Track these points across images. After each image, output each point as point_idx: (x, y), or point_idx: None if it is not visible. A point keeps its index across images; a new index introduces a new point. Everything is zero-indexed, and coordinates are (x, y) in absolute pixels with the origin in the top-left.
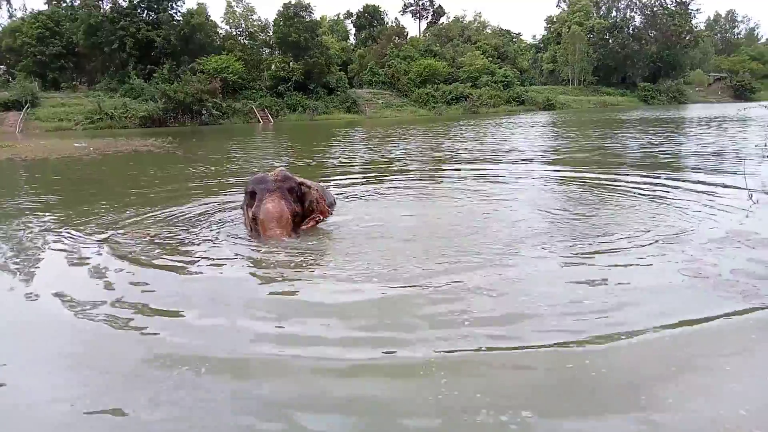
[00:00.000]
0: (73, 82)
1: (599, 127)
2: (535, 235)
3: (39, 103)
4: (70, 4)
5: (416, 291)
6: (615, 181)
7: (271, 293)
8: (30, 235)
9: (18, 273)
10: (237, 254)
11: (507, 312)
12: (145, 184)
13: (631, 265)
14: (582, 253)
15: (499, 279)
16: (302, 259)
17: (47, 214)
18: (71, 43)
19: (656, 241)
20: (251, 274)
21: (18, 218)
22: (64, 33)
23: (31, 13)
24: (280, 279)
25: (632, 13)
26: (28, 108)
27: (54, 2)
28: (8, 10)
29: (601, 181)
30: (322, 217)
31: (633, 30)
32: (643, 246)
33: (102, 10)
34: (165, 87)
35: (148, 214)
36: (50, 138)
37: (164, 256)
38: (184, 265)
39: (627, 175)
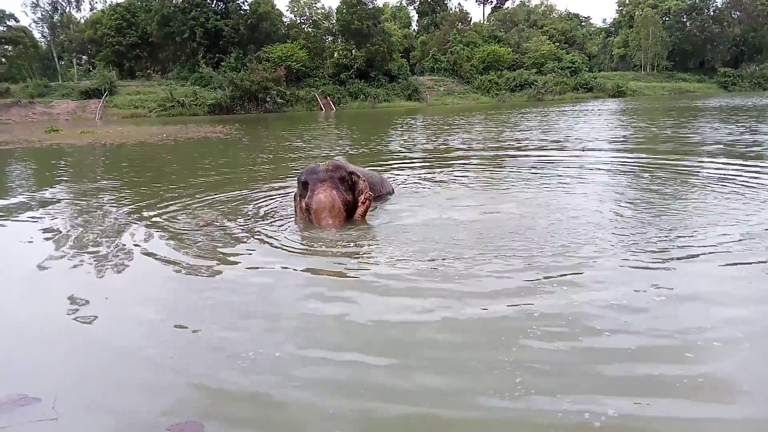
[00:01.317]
0: (147, 71)
1: (674, 115)
2: (603, 230)
3: (116, 91)
4: None
5: (469, 291)
6: (694, 168)
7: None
8: (103, 216)
9: (82, 254)
10: (292, 244)
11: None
12: (216, 169)
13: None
14: (657, 258)
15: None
16: (353, 249)
17: (122, 196)
18: (145, 34)
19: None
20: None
21: (94, 200)
22: (140, 24)
23: (110, 5)
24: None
25: None
26: (106, 96)
27: None
28: (90, 3)
29: (678, 169)
30: (366, 204)
31: (714, 11)
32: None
33: (174, 1)
34: (232, 75)
35: (217, 198)
36: (127, 124)
37: (222, 242)
38: (240, 252)
39: (709, 162)
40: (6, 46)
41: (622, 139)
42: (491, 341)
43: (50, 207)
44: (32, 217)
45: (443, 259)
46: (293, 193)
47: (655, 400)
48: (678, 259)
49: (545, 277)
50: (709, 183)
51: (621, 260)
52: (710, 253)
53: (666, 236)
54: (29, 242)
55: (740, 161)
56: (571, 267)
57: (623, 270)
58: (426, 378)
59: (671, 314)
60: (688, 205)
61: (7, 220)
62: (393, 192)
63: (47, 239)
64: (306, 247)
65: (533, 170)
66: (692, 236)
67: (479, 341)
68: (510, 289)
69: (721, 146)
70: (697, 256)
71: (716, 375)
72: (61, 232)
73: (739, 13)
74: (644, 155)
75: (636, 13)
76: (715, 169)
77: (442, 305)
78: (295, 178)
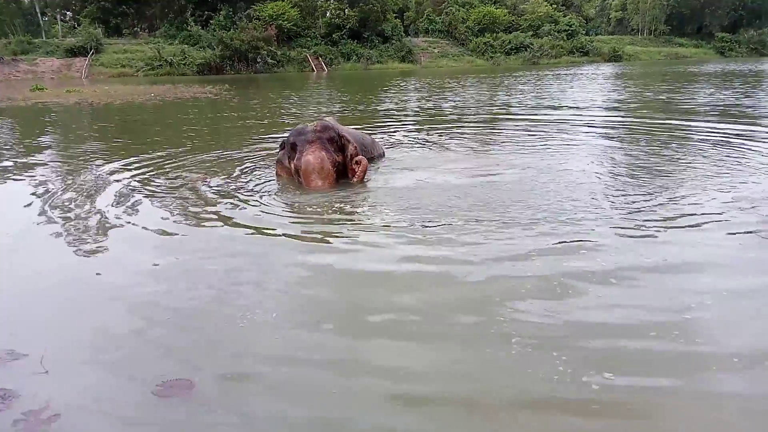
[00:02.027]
0: (134, 29)
1: (669, 80)
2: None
3: (103, 49)
4: None
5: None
6: (689, 131)
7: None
8: (91, 176)
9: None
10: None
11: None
12: (204, 129)
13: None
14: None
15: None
16: (341, 214)
17: (108, 155)
18: None
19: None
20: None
21: (82, 159)
22: None
23: None
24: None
25: None
26: (92, 54)
27: None
28: None
29: (673, 132)
30: (362, 166)
31: None
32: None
33: None
34: (221, 34)
35: (205, 158)
36: (114, 84)
37: (214, 202)
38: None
39: (704, 126)
40: None
41: (616, 103)
42: (481, 308)
43: (37, 167)
44: (19, 177)
45: (435, 225)
46: (279, 155)
47: (646, 377)
48: (674, 227)
49: (541, 245)
50: (705, 147)
51: (617, 227)
52: (708, 222)
53: (662, 203)
54: (16, 201)
55: (735, 125)
56: (567, 234)
57: (619, 238)
58: (415, 348)
59: (665, 285)
60: (683, 170)
61: None
62: (384, 155)
63: (33, 198)
64: (294, 211)
65: (528, 133)
66: (688, 202)
67: (470, 308)
68: (504, 255)
69: (717, 110)
70: (695, 224)
71: (710, 349)
72: (48, 191)
73: None
74: (639, 119)
75: None
76: (711, 132)
77: (434, 271)
78: (284, 139)
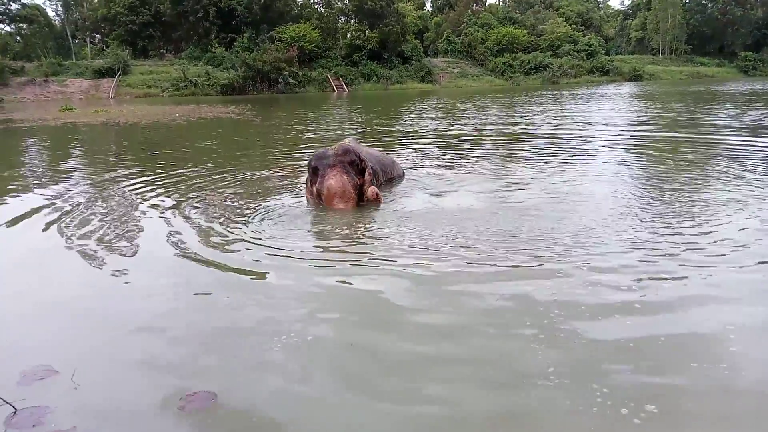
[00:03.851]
0: (161, 51)
1: (692, 100)
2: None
3: (130, 70)
4: None
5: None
6: (712, 151)
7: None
8: (117, 196)
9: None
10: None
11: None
12: (228, 149)
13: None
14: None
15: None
16: (364, 230)
17: (135, 175)
18: (159, 13)
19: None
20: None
21: (108, 178)
22: (153, 2)
23: None
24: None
25: None
26: (120, 75)
27: None
28: None
29: (696, 152)
30: (376, 197)
31: None
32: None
33: None
34: (245, 55)
35: (227, 177)
36: (140, 104)
37: (233, 221)
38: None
39: (727, 145)
40: (21, 25)
41: (637, 122)
42: (496, 329)
43: (63, 185)
44: (46, 195)
45: (454, 246)
46: (306, 178)
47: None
48: (694, 249)
49: (566, 272)
50: (727, 170)
51: (635, 250)
52: (739, 249)
53: (681, 226)
54: (43, 218)
55: (760, 146)
56: (583, 257)
57: (645, 264)
58: (433, 374)
59: (682, 314)
60: (703, 193)
61: (27, 197)
62: (404, 175)
63: (59, 215)
64: (315, 235)
65: (548, 153)
66: (708, 226)
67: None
68: (523, 276)
69: (743, 131)
70: (724, 253)
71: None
72: (73, 209)
73: None
74: (659, 138)
75: None
76: (734, 154)
77: (452, 292)
78: (306, 161)
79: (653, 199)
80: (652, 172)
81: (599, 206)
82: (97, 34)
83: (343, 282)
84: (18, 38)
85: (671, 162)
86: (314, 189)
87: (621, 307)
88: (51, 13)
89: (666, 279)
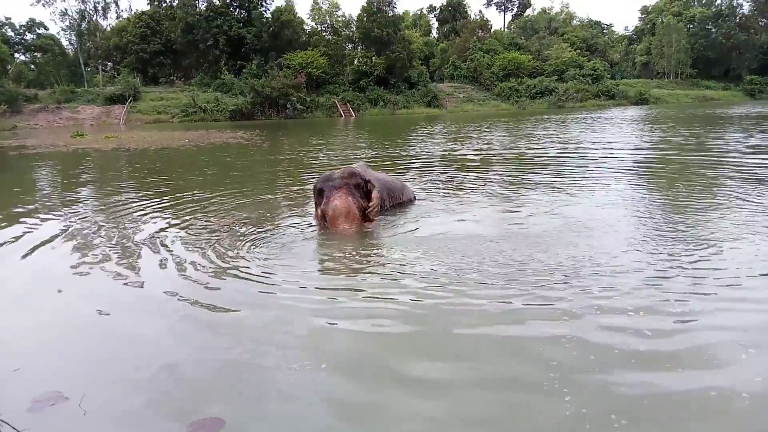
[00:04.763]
0: (171, 78)
1: (699, 123)
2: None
3: (140, 97)
4: (169, 4)
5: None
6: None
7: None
8: (126, 221)
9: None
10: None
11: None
12: (237, 174)
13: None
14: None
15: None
16: (368, 254)
17: (144, 199)
18: (169, 41)
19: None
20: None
21: (119, 202)
22: (164, 31)
23: (135, 13)
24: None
25: (740, 0)
26: (130, 101)
27: (155, 2)
28: (116, 12)
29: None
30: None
31: (740, 18)
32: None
33: (198, 9)
34: (253, 82)
35: (235, 202)
36: (150, 130)
37: (239, 249)
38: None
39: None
40: (36, 54)
41: (644, 146)
42: (503, 383)
43: (73, 209)
44: (55, 219)
45: (464, 275)
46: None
47: None
48: (705, 278)
49: (575, 301)
50: (738, 195)
51: (653, 282)
52: (753, 277)
53: (691, 254)
54: (53, 243)
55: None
56: (592, 287)
57: (647, 292)
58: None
59: (692, 348)
60: (713, 218)
61: (36, 221)
62: (414, 199)
63: (68, 240)
64: (322, 260)
65: (557, 176)
66: (719, 255)
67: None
68: (535, 309)
69: (750, 155)
70: (735, 283)
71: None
72: (83, 233)
73: (766, 20)
74: (667, 162)
75: (659, 21)
76: (743, 180)
77: (460, 322)
78: (313, 185)
79: (665, 224)
80: (662, 195)
81: (610, 233)
82: (109, 62)
83: (347, 318)
84: (32, 66)
85: (680, 185)
86: (319, 210)
87: (637, 356)
88: (65, 43)
89: (684, 321)
